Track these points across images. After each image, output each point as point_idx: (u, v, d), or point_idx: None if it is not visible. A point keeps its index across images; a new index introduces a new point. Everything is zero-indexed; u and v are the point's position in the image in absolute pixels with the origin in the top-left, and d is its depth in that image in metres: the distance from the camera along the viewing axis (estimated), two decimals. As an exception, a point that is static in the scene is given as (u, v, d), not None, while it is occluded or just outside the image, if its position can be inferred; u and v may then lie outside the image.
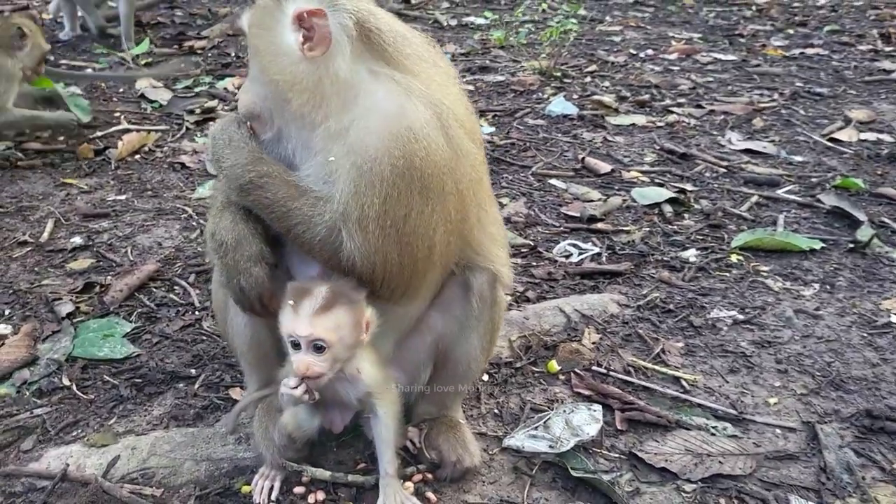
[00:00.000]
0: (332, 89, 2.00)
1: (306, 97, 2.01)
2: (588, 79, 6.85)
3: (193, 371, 2.84)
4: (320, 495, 2.23)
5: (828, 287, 3.42)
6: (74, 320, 3.12)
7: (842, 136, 5.30)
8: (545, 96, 6.28)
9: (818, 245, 3.75)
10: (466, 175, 2.12)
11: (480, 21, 9.28)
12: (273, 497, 2.23)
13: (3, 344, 2.93)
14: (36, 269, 3.56)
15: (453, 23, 9.23)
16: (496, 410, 2.65)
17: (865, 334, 3.07)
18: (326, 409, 2.26)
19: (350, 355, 2.09)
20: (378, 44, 2.03)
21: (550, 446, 2.40)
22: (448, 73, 2.23)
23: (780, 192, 4.41)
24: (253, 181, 2.07)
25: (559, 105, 5.93)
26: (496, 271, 2.33)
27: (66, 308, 3.18)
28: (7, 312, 3.19)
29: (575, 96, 6.27)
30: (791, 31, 8.74)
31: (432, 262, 2.14)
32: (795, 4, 10.23)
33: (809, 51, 7.74)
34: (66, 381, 2.75)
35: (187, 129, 5.50)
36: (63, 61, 7.10)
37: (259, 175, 2.07)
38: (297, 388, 2.04)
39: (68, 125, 5.05)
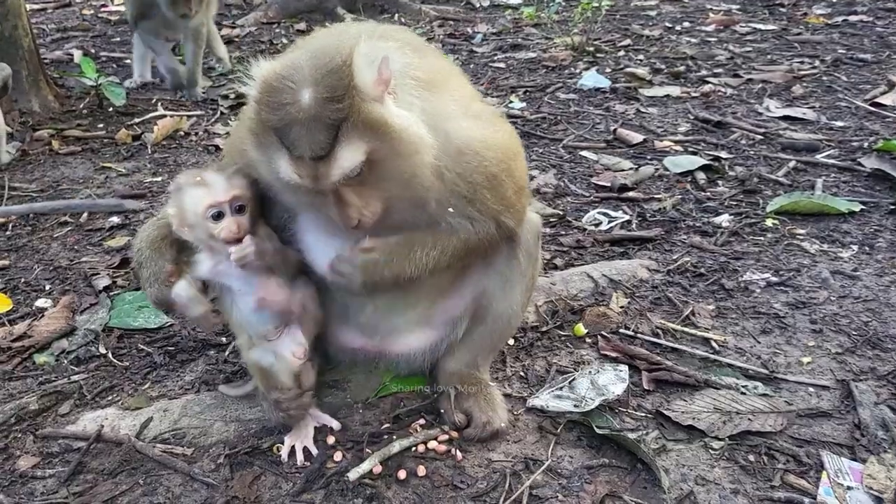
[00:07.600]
0: None
1: None
2: (622, 53, 6.76)
3: (224, 339, 2.89)
4: (347, 453, 2.26)
5: (867, 248, 3.32)
6: (111, 293, 3.20)
7: (885, 100, 5.14)
8: (577, 71, 6.21)
9: (857, 207, 3.64)
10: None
11: (514, 1, 9.21)
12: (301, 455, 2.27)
13: (42, 316, 3.03)
14: (76, 247, 3.66)
15: (486, 3, 9.18)
16: (522, 373, 2.64)
17: (905, 294, 2.97)
18: (281, 343, 2.24)
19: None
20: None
21: (575, 405, 2.38)
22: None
23: (818, 157, 4.29)
24: None
25: (591, 78, 5.87)
26: (537, 224, 2.35)
27: (103, 282, 3.26)
28: (48, 287, 3.29)
29: (608, 70, 6.18)
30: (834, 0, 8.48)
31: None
32: (839, -28, 9.91)
33: (853, 18, 7.51)
34: (102, 350, 2.83)
35: (222, 113, 5.59)
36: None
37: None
38: (244, 248, 2.02)
39: None
